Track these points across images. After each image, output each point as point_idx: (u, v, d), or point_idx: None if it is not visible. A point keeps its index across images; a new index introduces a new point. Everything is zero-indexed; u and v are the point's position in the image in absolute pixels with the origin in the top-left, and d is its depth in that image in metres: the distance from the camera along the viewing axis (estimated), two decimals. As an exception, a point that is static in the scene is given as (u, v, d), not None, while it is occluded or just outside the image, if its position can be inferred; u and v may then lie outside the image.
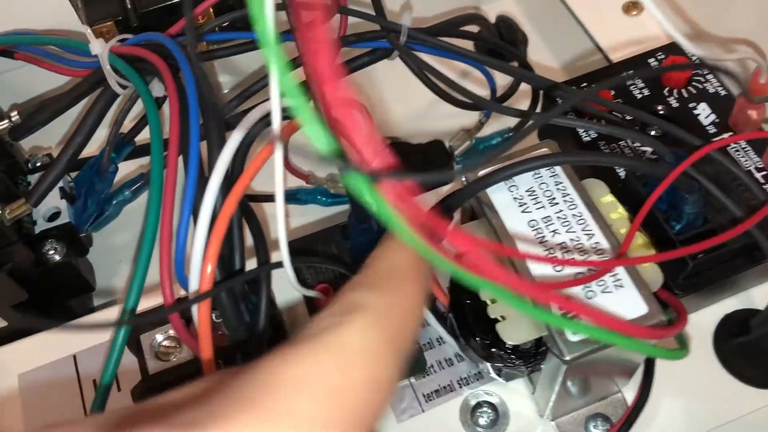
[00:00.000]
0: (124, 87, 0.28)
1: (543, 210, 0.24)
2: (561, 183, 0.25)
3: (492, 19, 0.41)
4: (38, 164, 0.33)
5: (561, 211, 0.24)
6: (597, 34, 0.39)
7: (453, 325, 0.27)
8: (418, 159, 0.38)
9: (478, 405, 0.27)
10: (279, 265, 0.22)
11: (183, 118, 0.23)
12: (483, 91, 0.35)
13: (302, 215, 0.37)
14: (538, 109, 0.35)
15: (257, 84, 0.30)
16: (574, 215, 0.24)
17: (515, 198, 0.25)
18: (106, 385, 0.22)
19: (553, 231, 0.24)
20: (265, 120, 0.23)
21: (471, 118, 0.38)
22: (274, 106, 0.20)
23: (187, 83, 0.23)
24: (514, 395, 0.27)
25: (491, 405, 0.27)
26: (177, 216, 0.22)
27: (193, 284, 0.21)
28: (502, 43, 0.35)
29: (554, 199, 0.25)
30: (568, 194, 0.25)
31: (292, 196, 0.37)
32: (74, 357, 0.29)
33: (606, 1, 0.40)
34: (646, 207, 0.24)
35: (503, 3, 0.44)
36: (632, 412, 0.26)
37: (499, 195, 0.25)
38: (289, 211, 0.37)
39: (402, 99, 0.42)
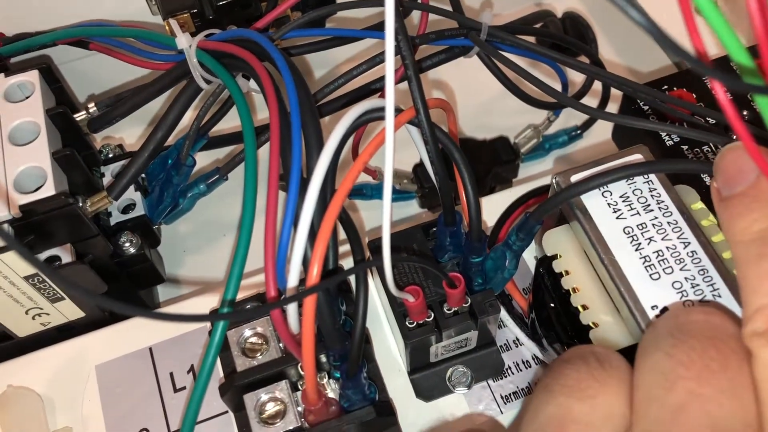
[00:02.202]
0: (208, 82, 0.28)
1: (638, 217, 0.24)
2: (655, 189, 0.25)
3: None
4: (110, 155, 0.33)
5: (656, 218, 0.24)
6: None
7: (535, 327, 0.27)
8: (485, 155, 0.37)
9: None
10: (377, 262, 0.22)
11: (282, 118, 0.23)
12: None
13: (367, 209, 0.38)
14: (612, 110, 0.34)
15: (335, 82, 0.30)
16: (669, 223, 0.24)
17: (609, 204, 0.25)
18: (204, 382, 0.22)
19: (649, 239, 0.24)
20: (363, 118, 0.23)
21: (532, 115, 0.38)
22: (389, 101, 0.20)
23: (287, 82, 0.23)
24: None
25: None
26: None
27: (292, 282, 0.21)
28: (576, 42, 0.34)
29: (649, 205, 0.24)
30: (663, 201, 0.24)
31: (357, 192, 0.37)
32: (150, 349, 0.30)
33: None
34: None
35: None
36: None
37: (593, 200, 0.25)
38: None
39: (463, 95, 0.42)
